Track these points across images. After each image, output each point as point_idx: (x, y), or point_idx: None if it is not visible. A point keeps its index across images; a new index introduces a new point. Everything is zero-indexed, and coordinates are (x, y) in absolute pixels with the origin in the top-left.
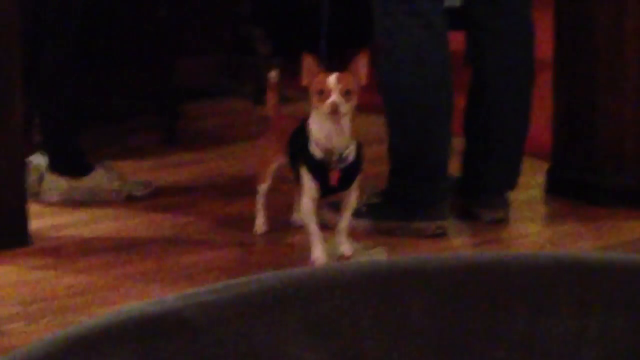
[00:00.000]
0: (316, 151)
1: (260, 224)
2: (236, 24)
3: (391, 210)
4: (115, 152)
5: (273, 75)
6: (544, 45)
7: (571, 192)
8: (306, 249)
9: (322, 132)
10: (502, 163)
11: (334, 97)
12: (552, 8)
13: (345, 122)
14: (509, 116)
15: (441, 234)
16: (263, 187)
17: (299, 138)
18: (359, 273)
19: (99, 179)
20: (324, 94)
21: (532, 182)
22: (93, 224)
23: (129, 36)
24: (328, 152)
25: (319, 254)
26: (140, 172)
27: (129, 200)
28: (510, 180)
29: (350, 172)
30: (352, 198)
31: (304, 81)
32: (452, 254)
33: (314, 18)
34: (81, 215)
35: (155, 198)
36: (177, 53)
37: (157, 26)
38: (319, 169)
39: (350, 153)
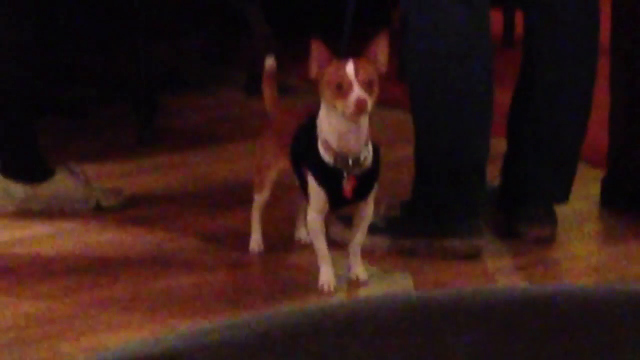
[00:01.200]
0: (326, 155)
1: (256, 241)
2: None
3: (415, 225)
4: (80, 153)
5: (270, 62)
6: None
7: (631, 205)
8: (312, 272)
9: (335, 132)
10: (553, 170)
11: (358, 92)
12: None
13: (364, 120)
14: (564, 114)
15: (475, 255)
16: (260, 198)
17: (304, 138)
18: (383, 308)
19: (61, 185)
20: (343, 88)
21: (584, 193)
22: (55, 240)
23: (94, 11)
24: (341, 156)
25: (327, 278)
26: (110, 177)
27: (97, 212)
28: (562, 191)
29: (366, 180)
30: (367, 211)
31: (313, 72)
32: (498, 288)
33: None
34: (40, 229)
35: (129, 209)
36: (154, 33)
37: (130, 0)
38: (330, 177)
39: (367, 157)
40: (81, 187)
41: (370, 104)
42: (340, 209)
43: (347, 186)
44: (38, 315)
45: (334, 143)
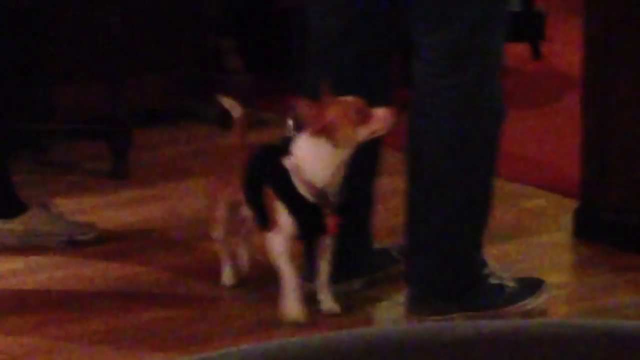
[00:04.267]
0: (306, 192)
1: (227, 274)
2: (200, 34)
3: None
4: (53, 188)
5: (237, 112)
6: (572, 58)
7: (604, 236)
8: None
9: (327, 171)
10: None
11: (381, 109)
12: (581, 14)
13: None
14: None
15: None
16: (219, 233)
17: (269, 172)
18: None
19: (34, 220)
20: (363, 112)
21: (557, 224)
22: (28, 275)
23: (70, 46)
24: (321, 193)
25: (293, 307)
26: (84, 211)
27: (71, 246)
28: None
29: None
30: (328, 242)
31: (315, 128)
32: (464, 323)
33: (294, 26)
34: (13, 264)
35: (102, 243)
36: (129, 67)
37: (105, 35)
38: (308, 212)
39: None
40: (54, 221)
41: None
42: (305, 239)
43: (331, 223)
44: (10, 350)
45: (320, 181)
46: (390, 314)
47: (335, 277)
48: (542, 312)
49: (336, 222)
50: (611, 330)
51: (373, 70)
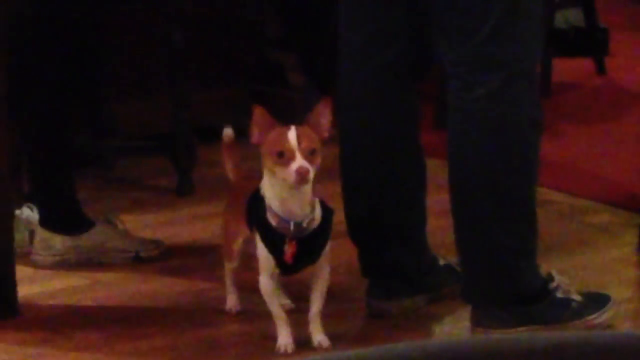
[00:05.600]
0: (271, 219)
1: (231, 301)
2: (263, 50)
3: None
4: (119, 205)
5: (227, 132)
6: (636, 73)
7: None
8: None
9: (277, 197)
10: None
11: (301, 161)
12: None
13: (306, 186)
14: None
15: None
16: (230, 265)
17: (255, 203)
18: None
19: (100, 236)
20: (285, 156)
21: (622, 239)
22: (94, 291)
23: (135, 65)
24: (283, 220)
25: (285, 340)
26: (150, 228)
27: (137, 262)
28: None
29: (313, 244)
30: (322, 275)
31: (254, 138)
32: (527, 334)
33: None
34: (80, 280)
35: (168, 259)
36: (193, 85)
37: (169, 52)
38: (274, 240)
39: (312, 221)
40: (120, 238)
41: (312, 173)
42: (292, 274)
43: (288, 251)
44: None
45: (276, 207)
46: (455, 330)
47: (400, 294)
48: (607, 327)
49: (293, 252)
50: None
51: (395, 86)
